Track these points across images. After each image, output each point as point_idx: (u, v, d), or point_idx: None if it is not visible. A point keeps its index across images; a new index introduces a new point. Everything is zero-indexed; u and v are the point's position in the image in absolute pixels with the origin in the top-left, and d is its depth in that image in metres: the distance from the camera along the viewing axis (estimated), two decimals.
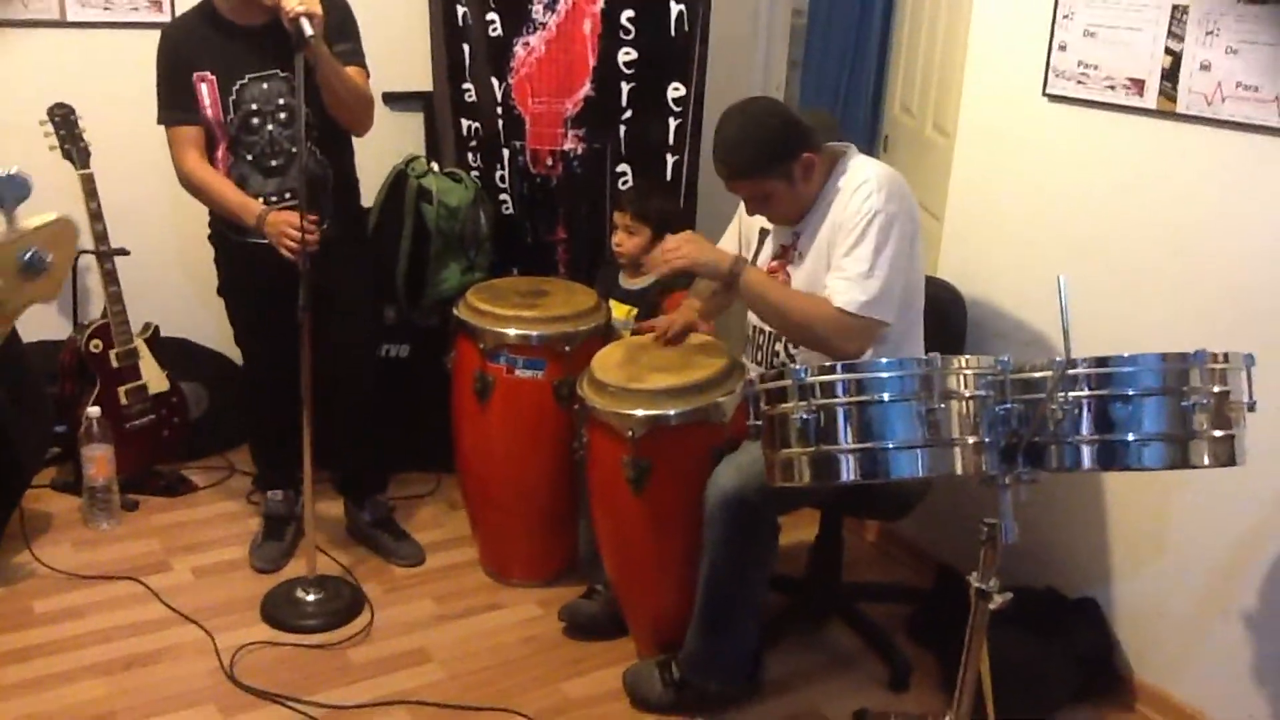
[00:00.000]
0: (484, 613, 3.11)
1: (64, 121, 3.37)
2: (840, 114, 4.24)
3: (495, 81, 3.57)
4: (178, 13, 3.40)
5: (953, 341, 2.94)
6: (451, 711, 2.66)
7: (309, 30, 2.64)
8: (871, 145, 4.07)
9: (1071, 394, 1.91)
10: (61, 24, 3.60)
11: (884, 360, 2.03)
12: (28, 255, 1.02)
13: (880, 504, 2.79)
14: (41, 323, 3.66)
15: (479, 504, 3.28)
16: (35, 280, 1.02)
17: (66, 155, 3.37)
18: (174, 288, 3.75)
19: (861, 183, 2.47)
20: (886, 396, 1.90)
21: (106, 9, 3.65)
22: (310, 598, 3.02)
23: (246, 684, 2.72)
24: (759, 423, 2.06)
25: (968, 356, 1.97)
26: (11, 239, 0.99)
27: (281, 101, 2.92)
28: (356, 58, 2.96)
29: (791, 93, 4.34)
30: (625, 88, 3.48)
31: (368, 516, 3.40)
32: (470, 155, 3.74)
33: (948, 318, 2.98)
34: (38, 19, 3.57)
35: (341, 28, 2.91)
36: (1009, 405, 1.93)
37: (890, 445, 1.89)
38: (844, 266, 2.43)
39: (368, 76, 2.99)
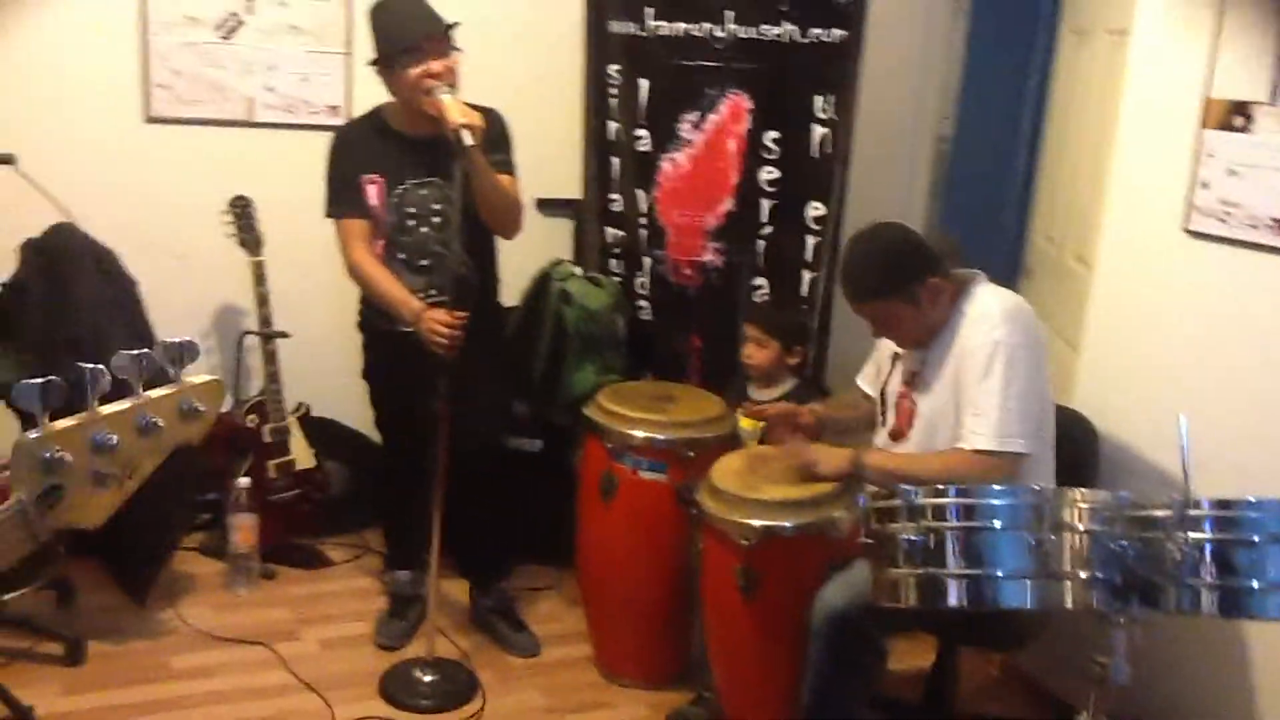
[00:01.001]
0: (592, 710, 3.15)
1: (242, 212, 3.65)
2: (982, 241, 4.25)
3: (641, 193, 3.72)
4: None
5: (1083, 475, 2.89)
6: None
7: (468, 140, 2.83)
8: (1013, 272, 4.06)
9: (1192, 535, 1.87)
10: (249, 124, 3.92)
11: (997, 487, 2.03)
12: (186, 405, 1.15)
13: (993, 633, 2.73)
14: None
15: (596, 601, 3.33)
16: (189, 425, 1.15)
17: (242, 243, 3.65)
18: (326, 371, 3.95)
19: (985, 312, 2.49)
20: (997, 524, 1.90)
21: (289, 111, 3.95)
22: (427, 678, 3.11)
23: None
24: (869, 540, 2.07)
25: (1084, 489, 1.96)
26: (175, 391, 1.13)
27: (436, 207, 3.10)
28: (509, 168, 3.14)
29: (933, 217, 4.37)
30: (766, 205, 3.58)
31: (489, 604, 3.48)
32: (613, 262, 3.88)
33: (1079, 450, 2.93)
34: (228, 119, 3.90)
35: (497, 140, 3.09)
36: (1125, 542, 1.90)
37: (999, 573, 1.89)
38: (973, 403, 2.43)
39: (518, 185, 3.16)
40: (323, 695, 3.06)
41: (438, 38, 2.97)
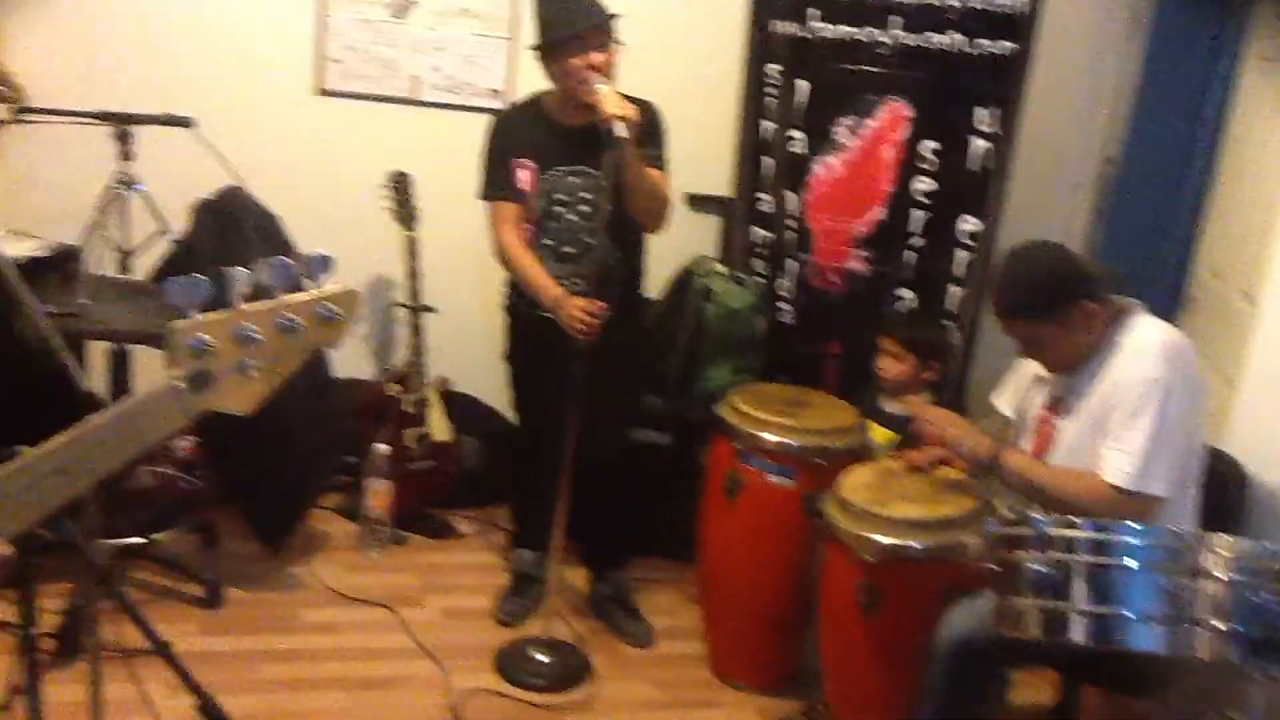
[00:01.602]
0: (701, 709, 3.16)
1: (401, 188, 3.76)
2: (1143, 270, 4.10)
3: (791, 195, 3.70)
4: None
5: (1229, 521, 2.77)
6: None
7: (621, 132, 2.86)
8: (1172, 304, 3.91)
9: None
10: (413, 102, 4.04)
11: (1133, 525, 1.96)
12: (323, 310, 1.23)
13: (1120, 676, 2.64)
14: (353, 363, 4.05)
15: (714, 600, 3.34)
16: (327, 329, 1.23)
17: (397, 218, 3.76)
18: (469, 348, 4.05)
19: (1143, 347, 2.40)
20: (1131, 563, 1.84)
21: (452, 92, 4.05)
22: (541, 657, 3.16)
23: None
24: (996, 567, 2.03)
25: (1228, 536, 1.87)
26: (313, 297, 1.21)
27: (585, 195, 3.14)
28: (660, 162, 3.16)
29: (1093, 242, 4.23)
30: (918, 216, 3.52)
31: (607, 590, 3.53)
32: (757, 262, 3.87)
33: (1227, 494, 2.81)
34: (394, 95, 4.02)
35: (651, 133, 3.12)
36: (1269, 596, 1.82)
37: (1128, 614, 1.83)
38: (1120, 438, 2.36)
39: (669, 180, 3.18)
40: (439, 662, 3.15)
41: (600, 29, 3.01)
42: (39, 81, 3.52)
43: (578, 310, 2.99)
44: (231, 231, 3.38)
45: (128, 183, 3.27)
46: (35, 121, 3.33)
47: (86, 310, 2.95)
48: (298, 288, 1.24)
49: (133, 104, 3.30)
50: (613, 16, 3.03)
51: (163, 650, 2.07)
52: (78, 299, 2.96)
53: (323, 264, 1.27)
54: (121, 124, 3.25)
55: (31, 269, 2.97)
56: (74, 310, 2.93)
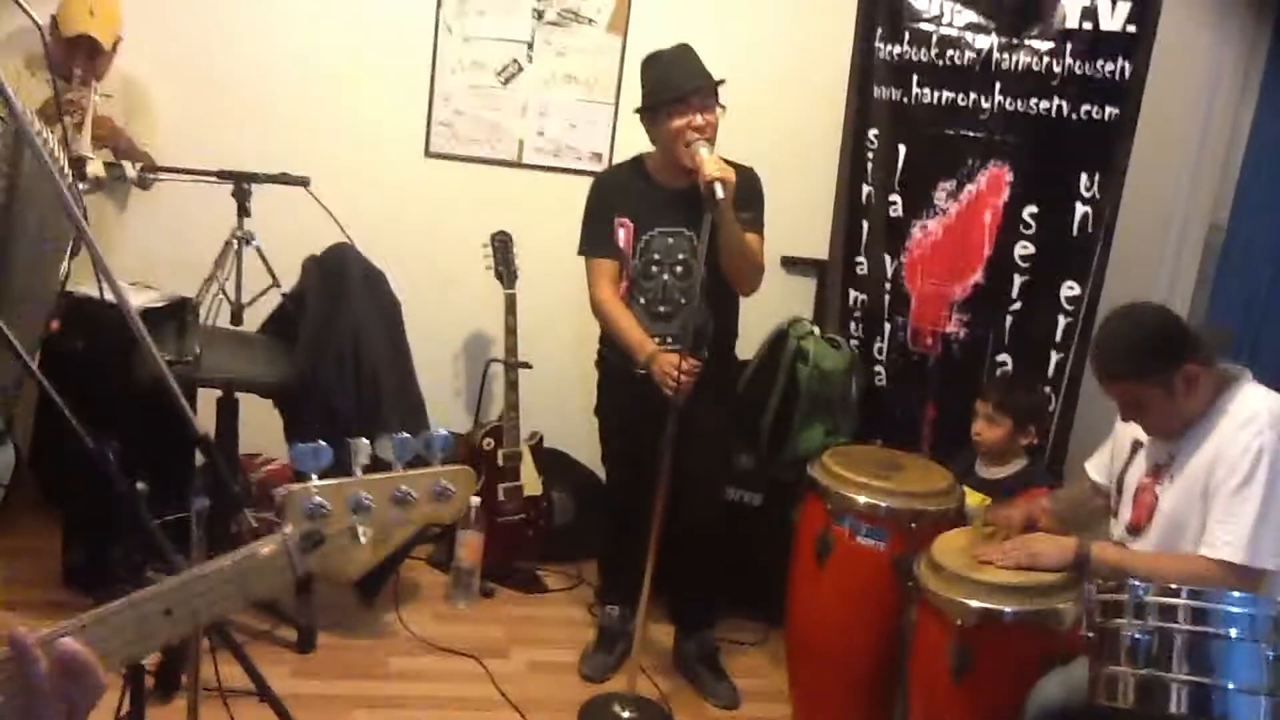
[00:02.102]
0: None
1: (502, 247, 3.85)
2: (1254, 337, 3.99)
3: (888, 258, 3.70)
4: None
5: None
6: None
7: (720, 194, 2.90)
8: None
9: None
10: (517, 165, 4.15)
11: (1236, 594, 1.90)
12: (438, 486, 1.29)
13: None
14: (450, 417, 4.13)
15: (801, 662, 3.29)
16: (441, 504, 1.29)
17: (498, 275, 3.84)
18: (562, 404, 4.10)
19: (1253, 415, 2.33)
20: (1233, 633, 1.78)
21: (555, 155, 4.15)
22: (625, 714, 3.15)
23: None
24: (1092, 634, 1.98)
25: None
26: (431, 472, 1.26)
27: (681, 256, 3.19)
28: (756, 225, 3.19)
29: (1198, 308, 4.13)
30: (1018, 280, 3.49)
31: (693, 649, 3.50)
32: (852, 325, 3.87)
33: None
34: (499, 159, 4.13)
35: (749, 197, 3.15)
36: None
37: (1229, 685, 1.77)
38: (1228, 512, 2.28)
39: (763, 243, 3.20)
40: (524, 715, 3.15)
41: (704, 92, 3.07)
42: (164, 141, 3.70)
43: (671, 366, 3.02)
44: (339, 286, 3.49)
45: (244, 238, 3.41)
46: (161, 180, 3.51)
47: (200, 358, 3.07)
48: (417, 463, 1.30)
49: (250, 164, 3.46)
50: (717, 81, 3.10)
51: (265, 691, 2.12)
52: (192, 347, 3.08)
53: (444, 443, 1.32)
54: (241, 182, 3.40)
55: (150, 318, 3.10)
56: (188, 358, 3.05)
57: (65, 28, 3.37)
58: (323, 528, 1.21)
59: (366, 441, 1.29)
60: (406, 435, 1.31)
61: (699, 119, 3.04)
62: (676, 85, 3.06)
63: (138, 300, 3.16)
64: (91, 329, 3.18)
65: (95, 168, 3.24)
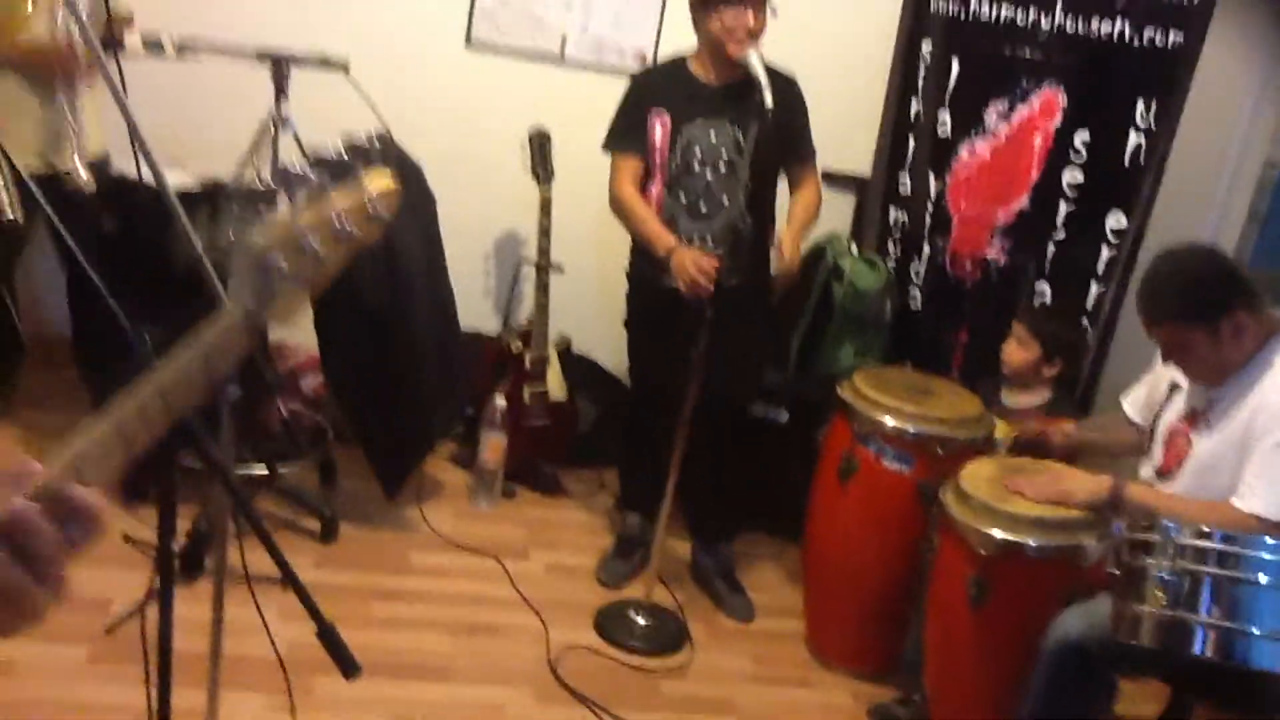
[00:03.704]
0: (795, 686, 3.14)
1: (540, 146, 3.78)
2: None
3: (932, 178, 3.62)
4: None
5: None
6: None
7: (769, 101, 2.82)
8: None
9: None
10: (558, 60, 4.06)
11: (1270, 540, 1.88)
12: (371, 211, 1.20)
13: (1237, 694, 2.53)
14: (479, 317, 4.11)
15: (817, 581, 3.31)
16: (372, 228, 1.19)
17: (534, 175, 3.78)
18: (591, 310, 4.07)
19: None
20: (1263, 578, 1.76)
21: (597, 53, 4.06)
22: (641, 620, 3.18)
23: (565, 680, 2.92)
24: (1117, 571, 1.96)
25: None
26: (365, 198, 1.17)
27: (724, 154, 3.12)
28: (808, 158, 3.26)
29: (1246, 247, 4.04)
30: (1063, 208, 3.41)
31: (710, 562, 3.52)
32: (890, 244, 3.80)
33: None
34: (541, 53, 4.04)
35: (794, 108, 3.12)
36: None
37: (1255, 631, 1.75)
38: (1266, 465, 2.24)
39: (816, 170, 3.26)
40: (541, 616, 3.19)
41: None
42: (194, 11, 3.61)
43: (691, 262, 2.97)
44: None
45: (280, 121, 3.35)
46: (194, 59, 3.44)
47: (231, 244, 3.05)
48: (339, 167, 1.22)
49: (285, 41, 3.37)
50: None
51: (291, 577, 2.13)
52: (226, 234, 3.05)
53: (377, 155, 1.24)
54: (280, 63, 3.32)
55: (184, 201, 3.07)
56: (221, 243, 3.02)
57: None
58: (274, 284, 1.16)
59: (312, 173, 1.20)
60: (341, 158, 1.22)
61: (751, 20, 2.95)
62: None
63: (172, 180, 3.13)
64: (127, 208, 3.16)
65: (133, 40, 3.18)
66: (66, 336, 3.61)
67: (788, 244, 3.14)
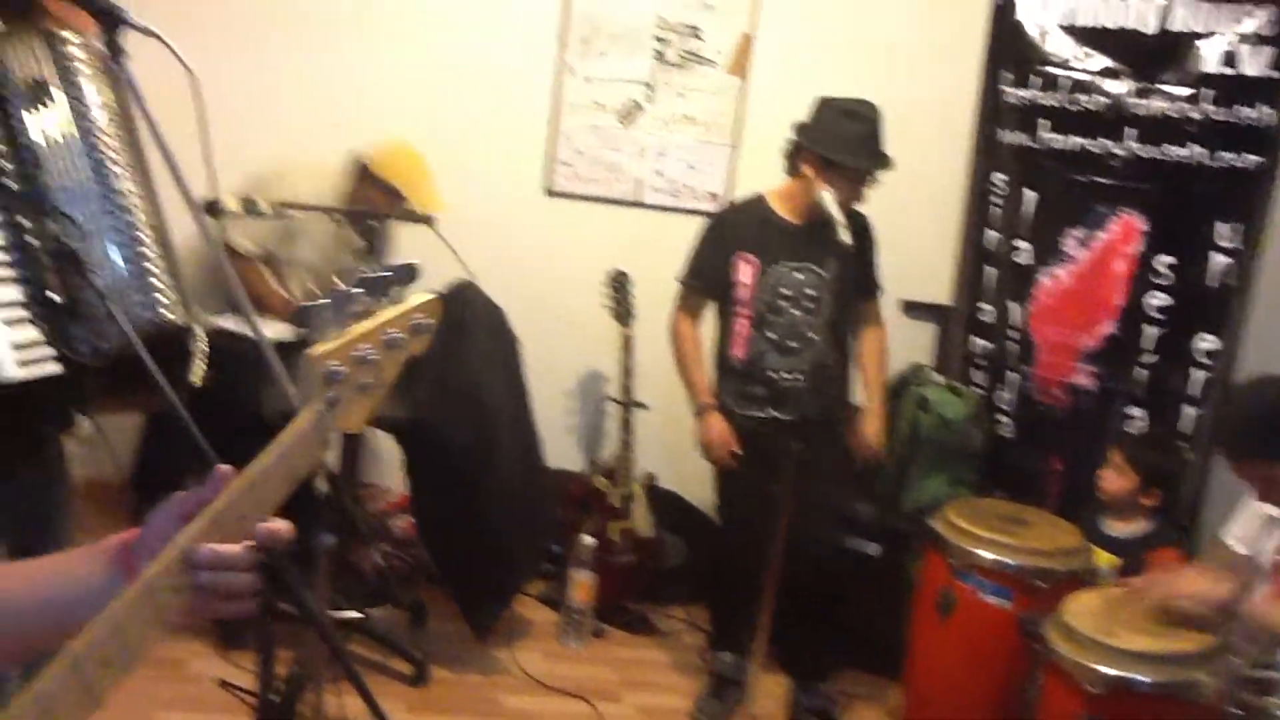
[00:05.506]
0: None
1: (620, 286, 3.86)
2: None
3: (1014, 306, 3.61)
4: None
5: None
6: None
7: (847, 238, 2.87)
8: None
9: None
10: (636, 204, 4.17)
11: None
12: (416, 322, 1.29)
13: None
14: (564, 455, 4.15)
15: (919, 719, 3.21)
16: (420, 339, 1.28)
17: (616, 315, 3.85)
18: (676, 446, 4.07)
19: None
20: None
21: (673, 196, 4.17)
22: None
23: None
24: (1239, 711, 1.88)
25: None
26: (407, 310, 1.26)
27: (810, 292, 3.17)
28: (874, 289, 3.32)
29: None
30: (1151, 332, 3.38)
31: (806, 702, 3.44)
32: (976, 373, 3.78)
33: None
34: (618, 198, 4.16)
35: (863, 249, 3.19)
36: None
37: None
38: None
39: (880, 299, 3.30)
40: None
41: (880, 170, 3.09)
42: (298, 177, 3.78)
43: (717, 434, 3.08)
44: (461, 324, 3.53)
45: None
46: (291, 216, 3.59)
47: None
48: (386, 297, 1.29)
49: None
50: (890, 165, 3.11)
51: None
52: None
53: (410, 274, 1.31)
54: (369, 220, 3.46)
55: (279, 351, 3.17)
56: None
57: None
58: (339, 391, 1.21)
59: (360, 290, 1.26)
60: (381, 274, 1.29)
61: (861, 194, 3.08)
62: (859, 159, 3.06)
63: (269, 332, 3.24)
64: (222, 360, 3.27)
65: (231, 203, 3.33)
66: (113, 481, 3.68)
67: (871, 426, 3.25)
